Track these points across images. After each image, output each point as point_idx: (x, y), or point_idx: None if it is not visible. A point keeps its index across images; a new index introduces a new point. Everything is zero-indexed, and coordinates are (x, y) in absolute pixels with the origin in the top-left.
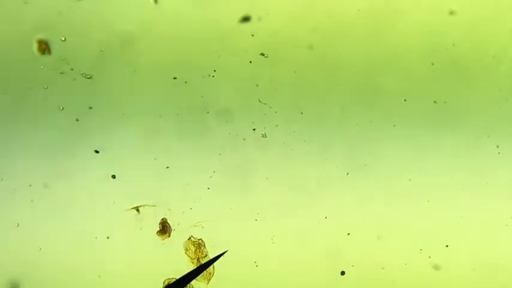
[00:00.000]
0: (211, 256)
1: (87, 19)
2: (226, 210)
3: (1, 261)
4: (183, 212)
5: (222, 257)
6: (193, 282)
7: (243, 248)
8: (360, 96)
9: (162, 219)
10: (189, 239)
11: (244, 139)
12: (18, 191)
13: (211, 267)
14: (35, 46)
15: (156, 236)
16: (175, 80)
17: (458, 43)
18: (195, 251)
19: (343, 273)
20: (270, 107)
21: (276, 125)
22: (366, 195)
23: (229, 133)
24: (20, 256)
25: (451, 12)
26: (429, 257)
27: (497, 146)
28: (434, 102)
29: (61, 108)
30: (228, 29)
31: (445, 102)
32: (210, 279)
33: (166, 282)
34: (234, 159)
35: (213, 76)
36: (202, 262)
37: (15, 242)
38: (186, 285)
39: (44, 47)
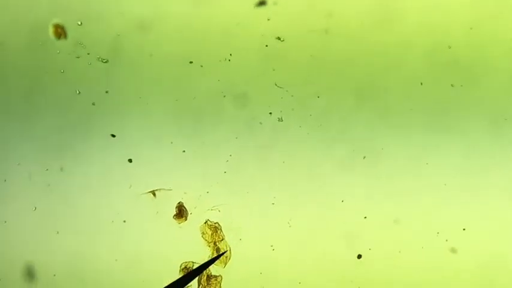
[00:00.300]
0: (227, 240)
1: (103, 3)
2: (242, 194)
3: (18, 245)
4: (200, 196)
5: (239, 240)
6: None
7: (259, 231)
8: (376, 80)
9: (179, 203)
10: (205, 223)
11: (260, 123)
12: (35, 175)
13: (227, 251)
14: (51, 31)
15: (173, 219)
16: (191, 64)
17: (476, 26)
18: (211, 234)
19: (359, 256)
20: (287, 91)
21: (293, 109)
22: (383, 179)
23: (246, 117)
24: (37, 239)
25: None
26: (446, 240)
27: None
28: (452, 85)
29: (77, 92)
30: (244, 13)
31: (461, 85)
32: (226, 263)
33: (183, 266)
34: (251, 143)
35: (229, 60)
36: (219, 246)
37: (32, 225)
38: (185, 285)
39: (60, 32)
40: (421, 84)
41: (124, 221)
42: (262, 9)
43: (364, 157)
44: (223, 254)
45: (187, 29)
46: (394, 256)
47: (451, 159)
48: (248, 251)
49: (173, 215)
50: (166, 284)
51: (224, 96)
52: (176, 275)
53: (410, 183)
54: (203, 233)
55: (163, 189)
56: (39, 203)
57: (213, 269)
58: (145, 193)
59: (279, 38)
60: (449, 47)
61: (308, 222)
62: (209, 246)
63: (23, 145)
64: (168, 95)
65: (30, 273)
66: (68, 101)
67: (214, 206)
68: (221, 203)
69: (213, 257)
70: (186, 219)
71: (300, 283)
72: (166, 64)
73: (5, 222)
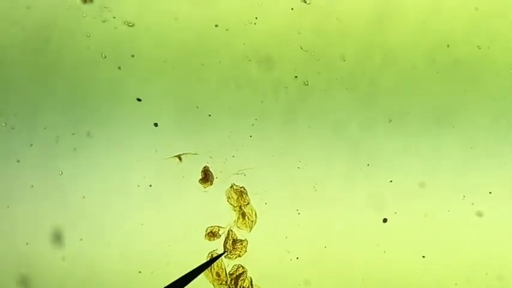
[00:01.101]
0: (253, 204)
1: None
2: (268, 158)
3: (45, 209)
4: (225, 160)
5: (264, 204)
6: (235, 229)
7: (285, 195)
8: (403, 42)
9: (204, 167)
10: (231, 187)
11: (286, 87)
12: (61, 140)
13: (253, 215)
14: None
15: (199, 184)
16: (216, 27)
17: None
18: (237, 199)
19: (385, 220)
20: (312, 54)
21: (318, 73)
22: (409, 142)
23: (271, 81)
24: (63, 204)
25: None
26: (472, 203)
27: None
28: (478, 47)
29: (103, 56)
30: None
31: (488, 47)
32: (252, 227)
33: (208, 230)
34: (276, 107)
35: (255, 24)
36: (245, 210)
37: (59, 190)
38: (187, 284)
39: None
40: (448, 46)
41: (150, 186)
42: None
43: (390, 121)
44: (222, 255)
45: None
46: (419, 220)
47: (477, 123)
48: (274, 215)
49: (199, 179)
50: (191, 248)
51: (249, 60)
52: (202, 240)
53: (436, 147)
54: (229, 197)
55: (189, 153)
56: (65, 167)
57: (238, 233)
58: (171, 157)
59: (304, 1)
60: (476, 9)
61: (334, 186)
62: (235, 210)
63: (49, 110)
64: (194, 59)
65: (57, 238)
66: (93, 65)
67: (239, 170)
68: (247, 167)
69: (214, 256)
70: (211, 184)
71: (325, 247)
72: (192, 28)
73: (32, 186)
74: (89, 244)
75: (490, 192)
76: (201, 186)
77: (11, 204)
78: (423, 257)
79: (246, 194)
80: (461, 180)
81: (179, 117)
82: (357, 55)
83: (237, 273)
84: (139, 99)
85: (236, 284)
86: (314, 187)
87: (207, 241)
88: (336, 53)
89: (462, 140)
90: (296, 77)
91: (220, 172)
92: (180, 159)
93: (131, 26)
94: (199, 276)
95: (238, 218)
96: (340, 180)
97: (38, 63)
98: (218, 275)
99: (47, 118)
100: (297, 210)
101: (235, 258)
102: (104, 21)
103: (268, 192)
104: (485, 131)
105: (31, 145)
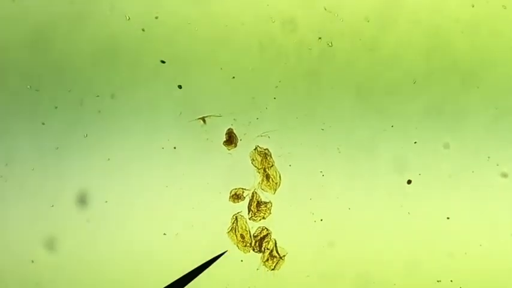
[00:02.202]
0: (277, 166)
1: None
2: (292, 120)
3: (70, 172)
4: (249, 122)
5: (288, 166)
6: (259, 191)
7: (309, 157)
8: (427, 2)
9: (228, 129)
10: (255, 149)
11: (309, 48)
12: (85, 102)
13: (277, 177)
14: None
15: (223, 146)
16: None
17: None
18: (261, 161)
19: (409, 182)
20: (336, 15)
21: (342, 34)
22: (433, 104)
23: (295, 42)
24: (88, 166)
25: None
26: (497, 164)
27: None
28: (503, 7)
29: (127, 18)
30: None
31: None
32: (276, 189)
33: (233, 193)
34: (300, 69)
35: None
36: (269, 172)
37: (84, 152)
38: (186, 284)
39: None
40: (473, 6)
41: (174, 148)
42: None
43: (415, 82)
44: (223, 254)
45: None
46: (444, 181)
47: (503, 83)
48: (298, 177)
49: (223, 141)
50: (216, 210)
51: (273, 22)
52: (226, 202)
53: (460, 108)
54: (253, 160)
55: (213, 115)
56: (90, 129)
57: (262, 196)
58: (195, 119)
59: None
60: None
61: (357, 147)
62: (259, 172)
63: (74, 72)
64: (217, 21)
65: (82, 200)
66: (117, 27)
67: (263, 132)
68: (271, 129)
69: (215, 256)
70: (235, 146)
71: (349, 209)
72: None
73: (57, 148)
74: (113, 206)
75: None
76: (225, 148)
77: (36, 167)
78: (447, 218)
79: (270, 156)
80: (485, 141)
81: (203, 79)
82: (381, 16)
83: (262, 235)
84: (163, 61)
85: (260, 245)
86: (338, 149)
87: (231, 203)
88: (360, 14)
89: (487, 101)
90: (320, 38)
91: (244, 134)
92: (204, 121)
93: None
94: (224, 238)
95: (263, 180)
96: (364, 141)
97: (62, 25)
98: (242, 237)
99: (72, 80)
100: (321, 172)
101: (260, 220)
102: None
103: (292, 154)
104: (510, 91)
105: (56, 107)
